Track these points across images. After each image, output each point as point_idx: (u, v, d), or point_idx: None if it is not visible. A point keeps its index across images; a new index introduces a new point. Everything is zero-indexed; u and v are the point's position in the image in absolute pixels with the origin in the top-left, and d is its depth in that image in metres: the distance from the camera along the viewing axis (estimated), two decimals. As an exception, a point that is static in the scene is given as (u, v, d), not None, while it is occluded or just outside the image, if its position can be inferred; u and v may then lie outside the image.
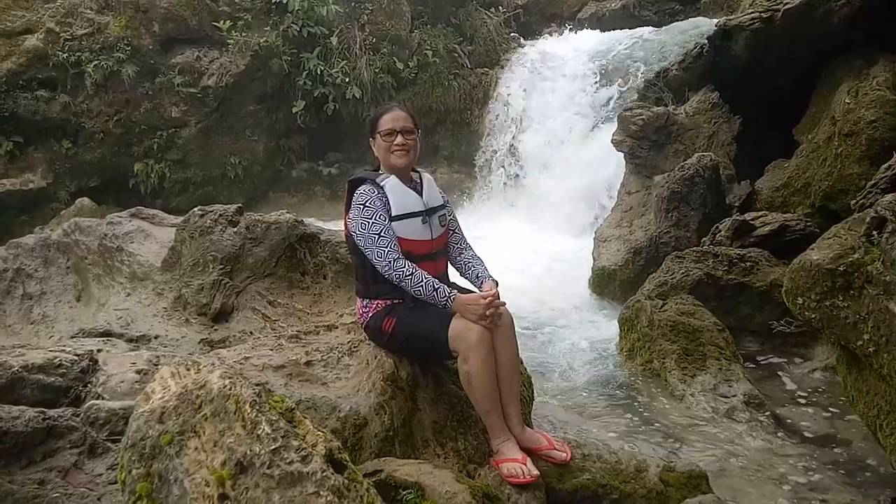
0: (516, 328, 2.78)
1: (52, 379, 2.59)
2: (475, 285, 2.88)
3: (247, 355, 2.88)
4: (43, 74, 9.59)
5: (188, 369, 1.89)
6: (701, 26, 9.49)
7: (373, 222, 2.67)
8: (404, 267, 2.64)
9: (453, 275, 2.97)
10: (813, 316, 3.00)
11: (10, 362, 2.55)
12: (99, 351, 2.89)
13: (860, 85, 5.87)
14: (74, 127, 9.86)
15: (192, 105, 10.23)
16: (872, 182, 4.64)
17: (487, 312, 2.56)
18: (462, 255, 2.97)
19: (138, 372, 2.71)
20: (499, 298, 2.67)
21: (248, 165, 10.77)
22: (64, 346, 2.97)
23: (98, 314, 3.78)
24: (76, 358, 2.72)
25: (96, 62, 9.57)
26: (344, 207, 2.86)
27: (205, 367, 1.94)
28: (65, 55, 9.52)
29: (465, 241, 3.02)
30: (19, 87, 9.46)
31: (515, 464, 2.53)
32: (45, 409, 2.27)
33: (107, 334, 3.43)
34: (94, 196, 9.76)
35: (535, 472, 2.52)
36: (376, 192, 2.73)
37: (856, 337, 2.79)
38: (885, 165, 4.71)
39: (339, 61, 10.58)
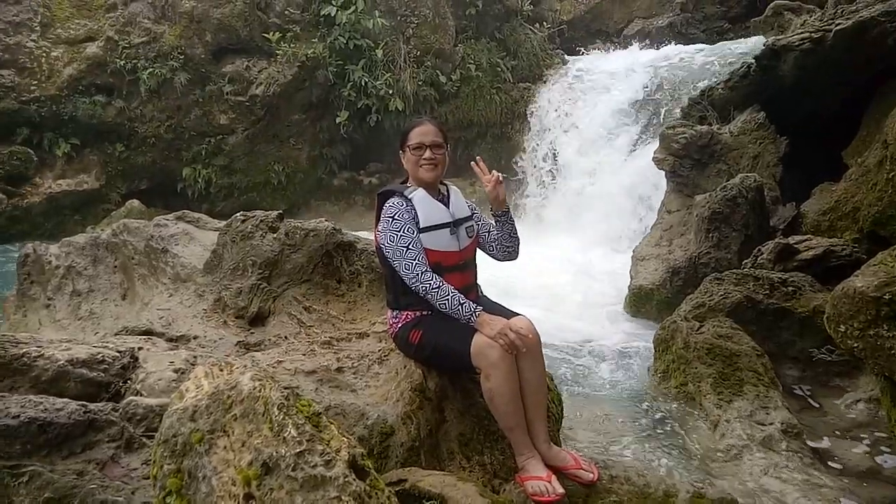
0: (548, 345, 2.77)
1: (95, 374, 2.70)
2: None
3: (280, 359, 2.94)
4: (101, 80, 10.03)
5: (221, 370, 1.94)
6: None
7: (401, 235, 2.71)
8: (431, 280, 2.66)
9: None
10: (856, 345, 2.91)
11: (57, 356, 2.67)
12: (140, 349, 2.99)
13: (914, 108, 5.68)
14: (128, 131, 10.28)
15: (239, 113, 10.54)
16: (925, 209, 4.48)
17: (508, 335, 2.52)
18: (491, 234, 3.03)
19: (176, 371, 2.80)
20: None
21: (292, 173, 11.02)
22: (107, 342, 3.07)
23: (141, 313, 3.91)
24: (118, 354, 2.83)
25: (151, 69, 9.97)
26: (374, 219, 2.91)
27: (237, 368, 2.00)
28: (122, 62, 9.94)
29: None
30: (79, 91, 9.91)
31: (540, 482, 2.52)
32: (87, 403, 2.37)
33: (148, 333, 3.53)
34: (144, 198, 10.13)
35: (561, 490, 2.50)
36: (405, 205, 2.77)
37: (900, 369, 2.70)
38: (939, 192, 4.55)
39: (383, 73, 10.75)
